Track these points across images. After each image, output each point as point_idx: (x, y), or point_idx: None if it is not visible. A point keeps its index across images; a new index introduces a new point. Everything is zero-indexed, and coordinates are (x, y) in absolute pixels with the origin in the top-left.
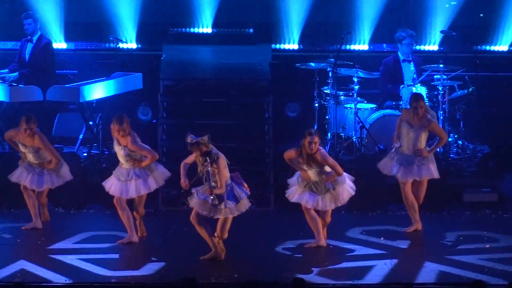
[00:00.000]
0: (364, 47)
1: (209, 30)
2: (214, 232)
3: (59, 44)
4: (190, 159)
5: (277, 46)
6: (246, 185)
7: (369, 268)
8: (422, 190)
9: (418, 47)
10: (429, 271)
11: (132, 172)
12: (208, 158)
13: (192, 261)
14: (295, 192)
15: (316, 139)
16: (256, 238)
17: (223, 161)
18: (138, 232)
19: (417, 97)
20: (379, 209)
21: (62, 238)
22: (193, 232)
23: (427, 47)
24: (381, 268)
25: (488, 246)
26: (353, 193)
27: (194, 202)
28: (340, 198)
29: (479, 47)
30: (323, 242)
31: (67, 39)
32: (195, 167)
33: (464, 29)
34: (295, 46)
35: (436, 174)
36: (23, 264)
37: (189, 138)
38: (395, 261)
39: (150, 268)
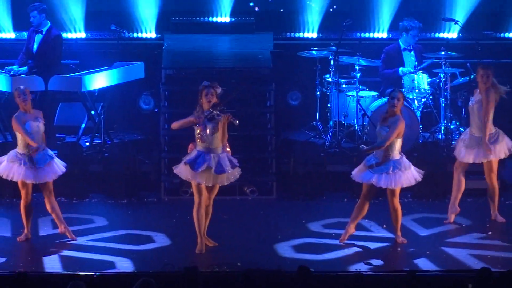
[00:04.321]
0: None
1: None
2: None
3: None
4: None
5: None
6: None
7: (372, 256)
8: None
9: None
10: (431, 258)
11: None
12: (219, 109)
13: (195, 250)
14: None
15: (400, 95)
16: (258, 226)
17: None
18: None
19: (484, 65)
20: (382, 196)
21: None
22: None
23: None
24: (384, 256)
25: (490, 233)
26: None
27: (179, 168)
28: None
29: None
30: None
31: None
32: None
33: (466, 15)
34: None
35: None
36: (26, 254)
37: (207, 83)
38: (398, 248)
39: (153, 256)
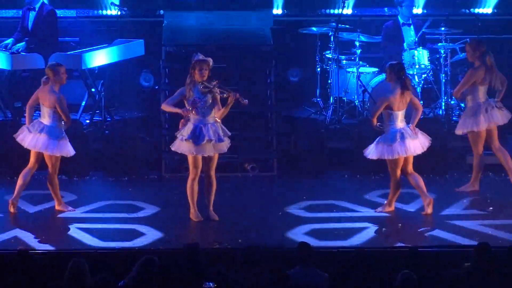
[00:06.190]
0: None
1: None
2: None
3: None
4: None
5: None
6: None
7: (373, 232)
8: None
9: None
10: (433, 236)
11: None
12: (213, 81)
13: (196, 227)
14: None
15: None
16: (260, 203)
17: None
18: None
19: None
20: (382, 172)
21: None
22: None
23: None
24: (385, 232)
25: (491, 208)
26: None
27: (177, 145)
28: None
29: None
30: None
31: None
32: None
33: None
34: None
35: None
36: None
37: (201, 56)
38: (399, 225)
39: (154, 234)
